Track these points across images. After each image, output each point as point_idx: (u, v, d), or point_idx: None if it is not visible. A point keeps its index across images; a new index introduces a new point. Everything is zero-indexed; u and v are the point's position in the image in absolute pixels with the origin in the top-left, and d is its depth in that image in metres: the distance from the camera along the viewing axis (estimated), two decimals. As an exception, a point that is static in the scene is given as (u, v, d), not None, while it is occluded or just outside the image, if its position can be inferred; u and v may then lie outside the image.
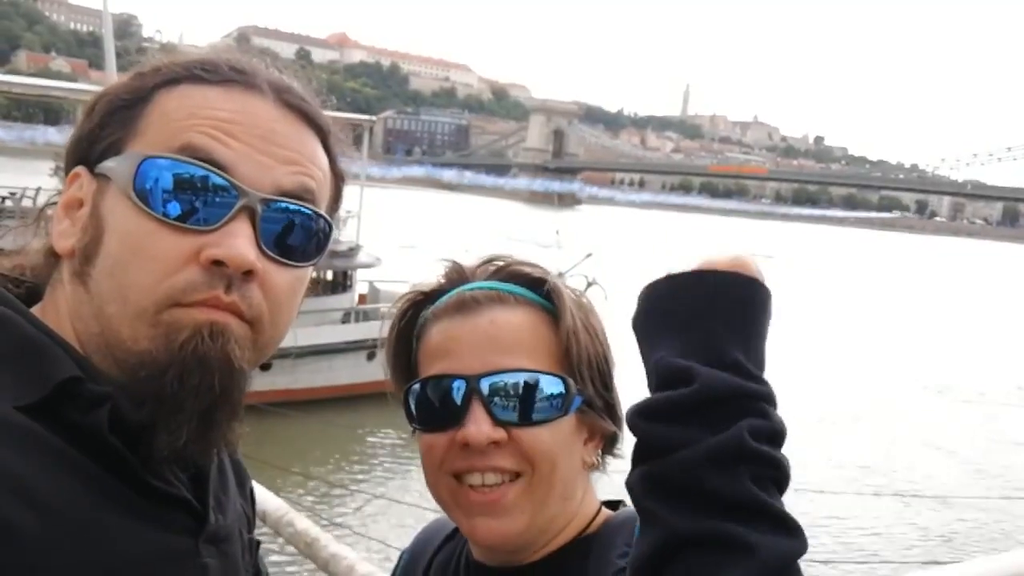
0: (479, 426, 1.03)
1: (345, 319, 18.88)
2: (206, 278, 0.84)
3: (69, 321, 0.88)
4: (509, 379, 1.04)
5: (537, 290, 1.11)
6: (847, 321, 34.72)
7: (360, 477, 14.54)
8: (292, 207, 0.89)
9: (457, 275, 1.15)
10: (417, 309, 1.15)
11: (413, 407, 1.10)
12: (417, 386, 1.09)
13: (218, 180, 0.85)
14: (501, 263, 1.14)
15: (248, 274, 0.85)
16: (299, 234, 0.90)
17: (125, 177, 0.85)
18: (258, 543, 1.10)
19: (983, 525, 14.43)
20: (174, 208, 0.84)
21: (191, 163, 0.85)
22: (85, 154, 0.91)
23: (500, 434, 1.04)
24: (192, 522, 0.89)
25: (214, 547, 0.91)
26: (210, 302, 0.84)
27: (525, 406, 1.04)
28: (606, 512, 1.16)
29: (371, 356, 18.75)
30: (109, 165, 0.87)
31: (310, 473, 13.55)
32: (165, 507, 0.85)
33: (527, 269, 1.13)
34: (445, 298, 1.12)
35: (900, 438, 18.98)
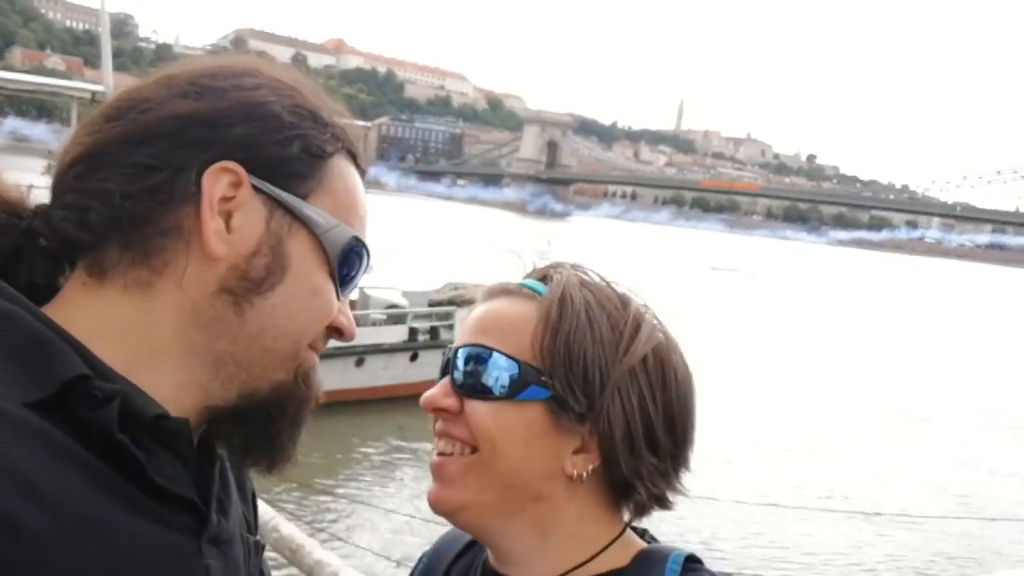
0: (432, 390, 1.10)
1: (335, 324, 18.81)
2: (326, 336, 0.94)
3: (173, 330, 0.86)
4: (469, 352, 1.08)
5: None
6: (819, 339, 34.65)
7: (346, 484, 14.46)
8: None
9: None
10: None
11: None
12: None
13: (364, 269, 0.95)
14: (548, 264, 1.17)
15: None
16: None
17: (333, 241, 0.90)
18: (262, 546, 1.11)
19: (953, 549, 14.34)
20: (343, 281, 0.93)
21: (362, 252, 0.94)
22: (243, 155, 0.86)
23: (449, 402, 1.08)
24: (195, 522, 0.89)
25: (216, 548, 0.92)
26: (317, 347, 0.94)
27: (473, 379, 1.07)
28: (636, 540, 1.13)
29: (360, 362, 18.72)
30: (312, 213, 0.89)
31: (296, 478, 13.46)
32: (169, 506, 0.86)
33: (548, 269, 1.15)
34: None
35: (866, 461, 18.86)
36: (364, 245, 0.93)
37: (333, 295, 0.91)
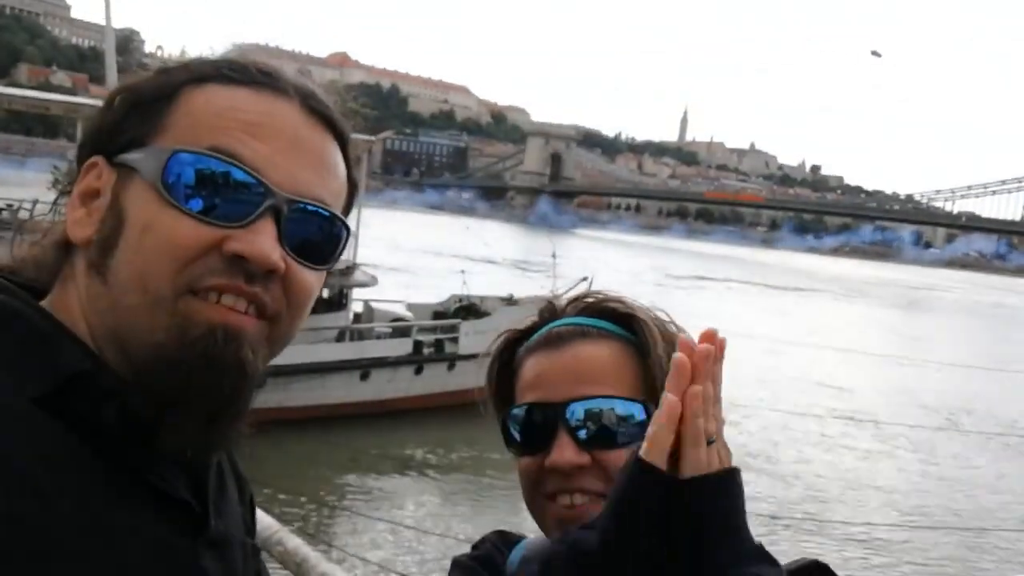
0: (563, 452, 1.11)
1: (340, 337, 18.84)
2: (226, 267, 0.85)
3: (82, 315, 0.89)
4: (591, 406, 1.12)
5: (622, 324, 1.19)
6: (802, 350, 34.32)
7: (351, 497, 14.46)
8: (315, 210, 0.91)
9: (548, 313, 1.25)
10: (516, 345, 1.25)
11: (511, 434, 1.20)
12: (512, 414, 1.19)
13: (246, 178, 0.87)
14: (590, 300, 1.23)
15: (270, 273, 0.87)
16: (319, 237, 0.93)
17: (153, 169, 0.86)
18: (258, 549, 1.11)
19: (922, 563, 14.21)
20: (200, 202, 0.85)
21: (220, 159, 0.86)
22: (104, 145, 0.91)
23: (584, 459, 1.11)
24: (192, 524, 0.89)
25: (213, 551, 0.91)
26: (231, 288, 0.85)
27: (607, 430, 1.12)
28: None
29: (365, 376, 18.73)
30: (134, 157, 0.88)
31: (301, 492, 13.48)
32: (166, 507, 0.85)
33: (613, 304, 1.21)
34: (536, 335, 1.22)
35: (831, 472, 18.74)
36: (190, 151, 0.87)
37: (179, 224, 0.85)
